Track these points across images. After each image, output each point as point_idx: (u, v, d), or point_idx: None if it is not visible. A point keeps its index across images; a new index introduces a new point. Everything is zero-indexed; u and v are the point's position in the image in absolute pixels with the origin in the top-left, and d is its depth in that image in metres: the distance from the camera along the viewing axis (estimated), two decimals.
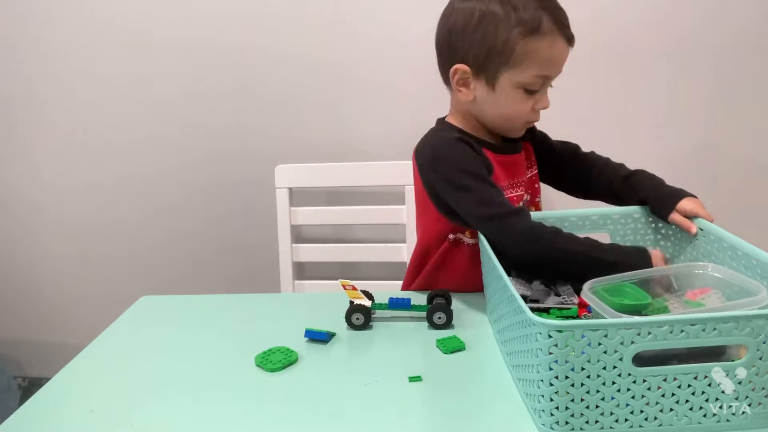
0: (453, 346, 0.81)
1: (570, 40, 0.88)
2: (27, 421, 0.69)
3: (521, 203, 0.96)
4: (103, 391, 0.75)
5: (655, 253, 0.83)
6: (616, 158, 1.05)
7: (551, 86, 0.92)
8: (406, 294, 0.96)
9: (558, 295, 0.82)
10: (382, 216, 1.38)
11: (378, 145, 1.49)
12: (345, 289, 0.90)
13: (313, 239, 1.55)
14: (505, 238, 0.83)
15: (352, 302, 0.89)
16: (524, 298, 0.81)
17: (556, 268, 0.84)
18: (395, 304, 0.90)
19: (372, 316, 0.90)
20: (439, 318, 0.87)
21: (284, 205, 1.39)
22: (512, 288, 0.68)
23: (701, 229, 0.86)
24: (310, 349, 0.83)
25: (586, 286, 0.72)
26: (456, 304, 0.96)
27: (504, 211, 0.84)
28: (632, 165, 1.02)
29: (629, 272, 0.77)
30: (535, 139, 1.05)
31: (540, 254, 0.82)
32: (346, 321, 0.89)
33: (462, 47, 0.88)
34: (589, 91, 1.45)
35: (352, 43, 1.44)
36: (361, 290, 0.91)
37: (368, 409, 0.69)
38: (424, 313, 0.89)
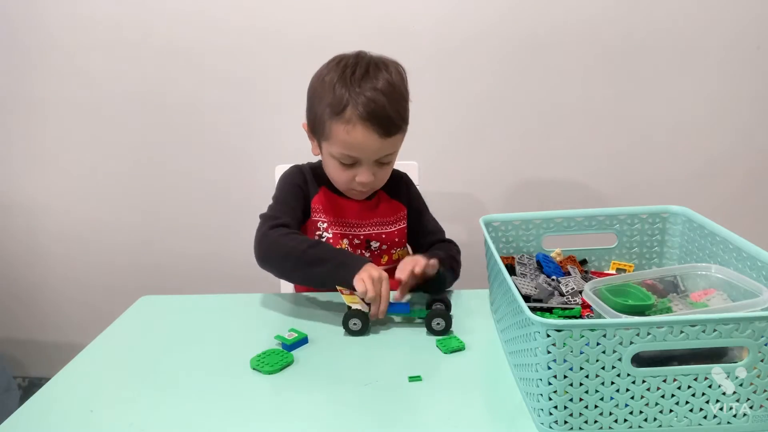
0: (453, 346, 0.81)
1: (379, 130, 0.91)
2: (27, 421, 0.69)
3: (344, 240, 1.05)
4: (103, 391, 0.75)
5: (371, 268, 0.87)
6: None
7: (385, 162, 0.97)
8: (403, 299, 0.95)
9: (562, 294, 0.82)
10: None
11: None
12: (342, 294, 0.89)
13: None
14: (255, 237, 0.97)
15: (349, 307, 0.88)
16: (528, 297, 0.82)
17: (274, 262, 0.94)
18: (395, 309, 0.89)
19: (371, 321, 0.89)
20: (438, 324, 0.86)
21: None
22: (513, 288, 0.68)
23: (707, 231, 0.86)
24: (309, 350, 0.83)
25: (588, 287, 0.72)
26: (455, 303, 0.95)
27: (268, 215, 0.99)
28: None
29: (632, 273, 0.77)
30: (411, 208, 1.11)
31: (262, 250, 0.94)
32: (344, 326, 0.87)
33: (306, 108, 1.00)
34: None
35: (351, 43, 1.44)
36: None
37: (368, 409, 0.69)
38: (421, 319, 0.88)
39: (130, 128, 1.57)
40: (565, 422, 0.61)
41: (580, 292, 0.81)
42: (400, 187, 1.11)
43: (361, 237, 1.06)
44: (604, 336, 0.58)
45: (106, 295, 1.68)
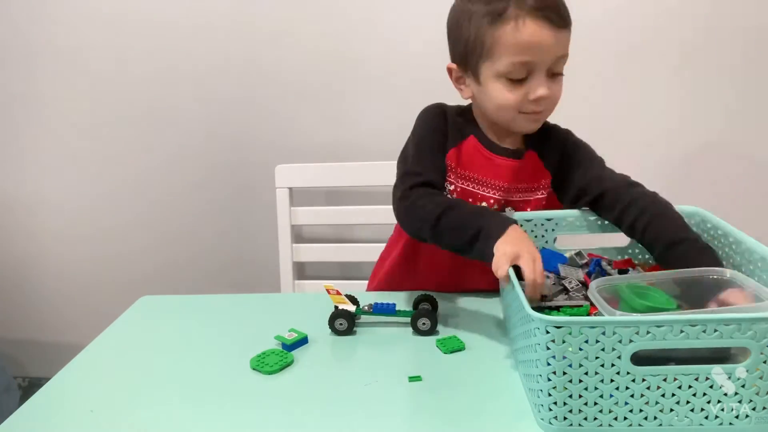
0: (453, 346, 0.81)
1: (552, 20, 0.81)
2: (27, 421, 0.69)
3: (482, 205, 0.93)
4: (103, 391, 0.75)
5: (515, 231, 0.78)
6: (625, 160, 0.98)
7: (561, 73, 0.87)
8: (391, 298, 0.93)
9: (567, 291, 0.81)
10: (382, 216, 1.38)
11: (378, 144, 1.49)
12: (329, 293, 0.89)
13: (313, 239, 1.55)
14: (395, 188, 0.90)
15: (336, 307, 0.88)
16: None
17: (412, 232, 0.89)
18: (380, 309, 0.89)
19: (356, 321, 0.89)
20: (424, 324, 0.85)
21: (284, 205, 1.39)
22: (517, 285, 0.68)
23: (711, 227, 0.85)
24: (309, 350, 0.83)
25: (593, 285, 0.71)
26: (456, 303, 0.96)
27: (406, 171, 0.90)
28: (643, 164, 0.94)
29: (641, 274, 0.76)
30: (561, 170, 0.96)
31: (400, 217, 0.89)
32: (330, 326, 0.87)
33: (450, 47, 0.91)
34: (599, 87, 1.45)
35: (353, 42, 1.44)
36: (346, 294, 0.90)
37: (368, 409, 0.69)
38: (408, 319, 0.87)
39: (130, 128, 1.57)
40: (565, 418, 0.61)
41: (584, 286, 0.80)
42: (551, 147, 0.94)
43: (502, 203, 0.94)
44: (603, 333, 0.58)
45: (106, 295, 1.68)
